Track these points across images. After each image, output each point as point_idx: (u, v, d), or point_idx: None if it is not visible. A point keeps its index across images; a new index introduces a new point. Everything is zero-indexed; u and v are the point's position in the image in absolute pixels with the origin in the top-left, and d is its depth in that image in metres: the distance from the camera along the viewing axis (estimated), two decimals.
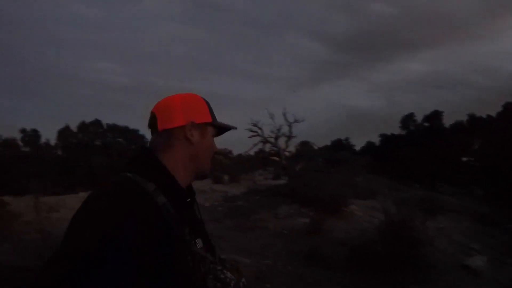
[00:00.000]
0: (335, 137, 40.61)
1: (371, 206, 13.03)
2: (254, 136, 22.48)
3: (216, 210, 13.42)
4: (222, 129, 1.41)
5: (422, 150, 25.88)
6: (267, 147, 23.05)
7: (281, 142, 22.62)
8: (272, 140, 22.46)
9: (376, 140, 35.47)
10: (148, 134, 1.36)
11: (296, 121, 22.17)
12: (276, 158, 22.50)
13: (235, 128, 1.46)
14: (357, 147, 38.09)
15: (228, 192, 18.24)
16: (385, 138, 34.28)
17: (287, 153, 22.64)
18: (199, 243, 1.24)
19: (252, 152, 26.23)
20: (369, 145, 36.32)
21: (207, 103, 1.37)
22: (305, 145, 32.29)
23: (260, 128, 22.37)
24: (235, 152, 38.45)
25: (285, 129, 22.44)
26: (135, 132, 33.12)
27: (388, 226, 8.07)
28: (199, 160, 1.31)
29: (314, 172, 17.85)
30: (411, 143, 28.26)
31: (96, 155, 25.92)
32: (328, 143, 38.75)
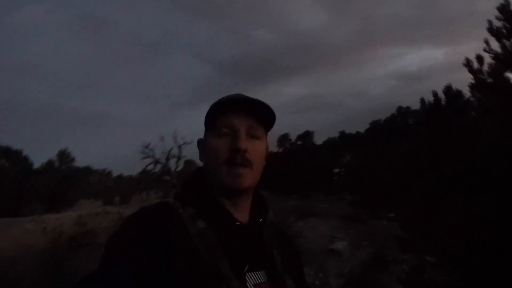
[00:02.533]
0: None
1: None
2: (146, 157, 24.01)
3: (113, 230, 14.71)
4: (218, 119, 1.10)
5: (297, 165, 29.36)
6: (157, 168, 24.63)
7: (172, 162, 24.43)
8: (163, 161, 24.18)
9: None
10: None
11: (184, 143, 24.15)
12: (167, 178, 24.23)
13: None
14: None
15: (122, 213, 19.46)
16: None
17: (176, 173, 24.47)
18: (256, 278, 1.03)
19: (134, 174, 27.49)
20: None
21: (214, 104, 1.11)
22: (190, 163, 34.21)
23: (151, 150, 24.01)
24: (115, 173, 39.09)
25: (175, 151, 24.27)
26: (17, 153, 31.98)
27: None
28: (210, 174, 1.09)
29: None
30: (287, 159, 31.79)
31: None
32: None
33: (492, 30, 5.41)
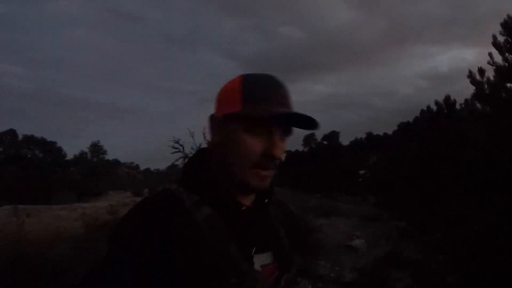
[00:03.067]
0: None
1: None
2: (176, 152, 24.90)
3: None
4: (270, 119, 0.95)
5: (321, 165, 29.78)
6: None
7: None
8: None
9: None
10: None
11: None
12: None
13: (290, 113, 0.98)
14: None
15: None
16: (288, 154, 38.26)
17: None
18: (263, 259, 1.03)
19: (161, 167, 28.44)
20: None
21: (252, 82, 1.00)
22: None
23: (181, 145, 24.87)
24: (142, 166, 40.23)
25: (204, 146, 25.19)
26: (52, 144, 33.55)
27: None
28: (228, 168, 1.00)
29: None
30: (312, 158, 32.21)
31: (9, 166, 26.33)
32: None
33: (496, 44, 5.90)
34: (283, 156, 1.06)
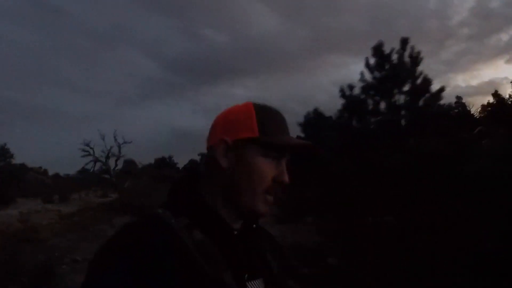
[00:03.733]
0: (161, 154, 43.22)
1: None
2: (86, 155, 24.86)
3: (55, 227, 15.82)
4: (284, 148, 1.04)
5: None
6: (97, 166, 25.52)
7: (111, 161, 25.42)
8: (103, 159, 25.16)
9: (197, 158, 39.93)
10: None
11: (125, 142, 25.20)
12: (107, 176, 25.24)
13: (305, 144, 1.07)
14: (180, 165, 41.83)
15: (61, 211, 20.46)
16: (203, 156, 38.92)
17: (116, 172, 25.49)
18: (255, 286, 1.02)
19: (72, 172, 28.25)
20: (191, 163, 40.68)
21: (265, 111, 1.05)
22: (130, 163, 34.92)
23: (91, 148, 24.88)
24: (51, 171, 39.27)
25: (115, 149, 25.25)
26: None
27: None
28: (237, 193, 1.01)
29: (141, 187, 21.37)
30: None
31: None
32: (152, 161, 41.31)
33: (367, 65, 7.28)
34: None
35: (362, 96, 7.24)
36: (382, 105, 7.09)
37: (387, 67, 7.06)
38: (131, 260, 0.85)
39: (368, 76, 7.25)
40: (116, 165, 25.24)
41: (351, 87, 7.37)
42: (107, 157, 24.83)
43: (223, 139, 1.02)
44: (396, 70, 6.94)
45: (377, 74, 7.16)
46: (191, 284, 0.88)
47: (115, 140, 24.56)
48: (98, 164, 25.51)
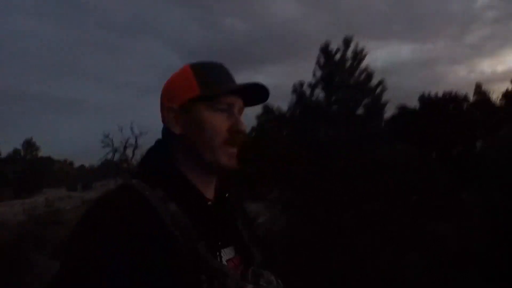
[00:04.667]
0: None
1: None
2: (105, 146, 26.48)
3: (77, 210, 17.42)
4: (230, 94, 1.04)
5: None
6: (116, 157, 27.17)
7: (129, 152, 26.99)
8: (121, 150, 26.77)
9: None
10: None
11: (141, 133, 26.56)
12: (125, 165, 26.87)
13: (247, 85, 1.05)
14: None
15: (84, 197, 22.36)
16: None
17: (134, 163, 26.99)
18: (227, 253, 1.04)
19: (96, 163, 29.98)
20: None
21: (203, 68, 1.07)
22: None
23: (111, 139, 26.38)
24: (78, 162, 40.95)
25: (132, 140, 26.71)
26: None
27: None
28: (198, 154, 1.03)
29: None
30: None
31: None
32: None
33: (318, 62, 8.63)
34: (247, 130, 1.08)
35: (310, 92, 8.44)
36: (328, 100, 8.34)
37: (332, 64, 8.36)
38: (109, 237, 0.86)
39: (318, 73, 8.61)
40: (133, 154, 26.67)
41: (301, 84, 8.62)
42: (125, 148, 26.34)
43: (170, 107, 1.04)
44: (339, 67, 8.26)
45: (324, 71, 8.48)
46: (167, 257, 0.89)
47: (132, 131, 25.90)
48: (118, 155, 27.00)
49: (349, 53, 8.34)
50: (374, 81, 8.32)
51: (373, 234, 6.89)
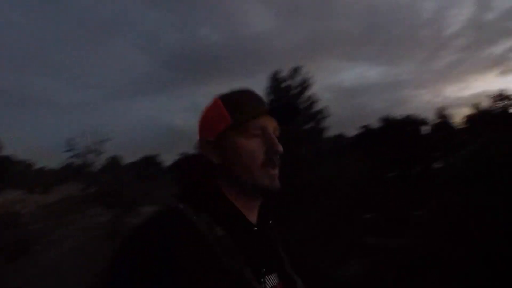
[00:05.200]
0: (148, 152, 41.26)
1: None
2: (68, 151, 25.99)
3: (34, 214, 17.36)
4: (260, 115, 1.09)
5: None
6: (79, 161, 26.69)
7: (92, 157, 26.56)
8: (84, 155, 26.33)
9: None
10: None
11: (104, 139, 26.18)
12: (87, 171, 26.44)
13: (276, 107, 1.13)
14: (167, 163, 41.46)
15: (41, 201, 21.89)
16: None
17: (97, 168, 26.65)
18: (271, 280, 1.05)
19: (57, 166, 29.32)
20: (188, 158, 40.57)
21: (231, 97, 1.13)
22: (112, 160, 34.74)
23: (74, 143, 25.91)
24: (36, 165, 39.72)
25: (96, 145, 26.32)
26: None
27: None
28: (239, 179, 1.07)
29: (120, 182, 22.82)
30: None
31: None
32: (137, 158, 39.55)
33: (270, 87, 9.44)
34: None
35: None
36: None
37: (280, 91, 9.05)
38: (158, 260, 0.89)
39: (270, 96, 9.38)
40: (96, 160, 26.22)
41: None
42: (87, 153, 25.90)
43: (207, 139, 1.09)
44: (286, 94, 8.95)
45: (272, 97, 9.27)
46: (214, 281, 0.92)
47: (95, 136, 25.47)
48: (80, 159, 26.49)
49: (297, 81, 9.05)
50: (316, 108, 9.10)
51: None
